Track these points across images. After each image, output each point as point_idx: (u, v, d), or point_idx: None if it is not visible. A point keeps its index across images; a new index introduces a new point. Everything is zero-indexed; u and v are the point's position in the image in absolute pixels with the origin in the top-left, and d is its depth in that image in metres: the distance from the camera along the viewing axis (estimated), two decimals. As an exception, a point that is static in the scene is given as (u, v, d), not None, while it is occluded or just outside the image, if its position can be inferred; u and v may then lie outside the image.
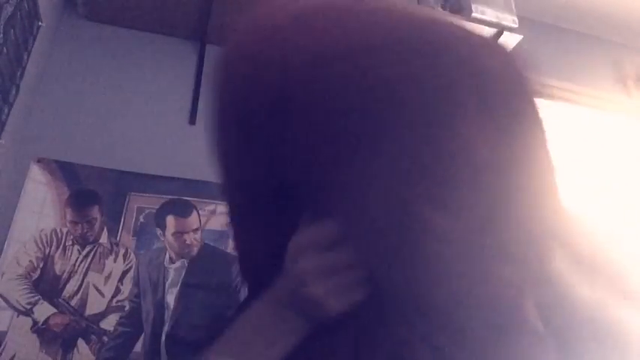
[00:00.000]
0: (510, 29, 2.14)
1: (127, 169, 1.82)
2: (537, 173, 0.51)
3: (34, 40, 1.67)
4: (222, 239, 1.82)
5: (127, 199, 1.78)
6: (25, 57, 1.61)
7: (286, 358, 0.51)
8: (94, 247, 1.67)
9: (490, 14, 2.13)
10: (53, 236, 1.64)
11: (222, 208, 1.88)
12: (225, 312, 1.69)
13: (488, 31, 2.14)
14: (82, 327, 1.56)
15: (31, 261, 1.59)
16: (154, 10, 2.00)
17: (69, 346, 1.53)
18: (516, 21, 2.16)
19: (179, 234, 1.79)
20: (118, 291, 1.63)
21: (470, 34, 0.54)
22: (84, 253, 1.65)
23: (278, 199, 0.52)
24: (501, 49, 0.56)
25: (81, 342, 1.54)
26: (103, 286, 1.63)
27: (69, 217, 1.69)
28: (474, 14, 2.10)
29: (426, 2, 2.10)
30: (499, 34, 2.14)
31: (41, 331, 1.52)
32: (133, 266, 1.69)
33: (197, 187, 1.87)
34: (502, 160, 0.47)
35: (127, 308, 1.62)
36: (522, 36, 2.16)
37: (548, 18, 2.86)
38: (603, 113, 2.79)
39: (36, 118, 1.78)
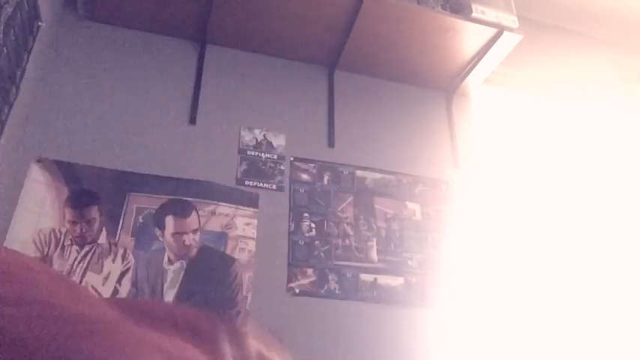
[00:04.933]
0: (510, 29, 2.14)
1: (127, 169, 1.82)
2: None
3: (34, 40, 1.67)
4: (221, 240, 1.82)
5: (126, 199, 1.77)
6: (25, 57, 1.61)
7: None
8: (93, 247, 1.67)
9: (490, 14, 2.12)
10: (52, 236, 1.64)
11: (221, 208, 1.88)
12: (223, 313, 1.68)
13: (488, 31, 2.14)
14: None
15: (30, 261, 1.58)
16: (154, 10, 2.00)
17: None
18: (516, 21, 2.15)
19: (178, 234, 1.78)
20: (116, 292, 1.63)
21: None
22: (82, 253, 1.65)
23: None
24: None
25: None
26: (101, 286, 1.62)
27: (68, 216, 1.68)
28: (473, 14, 2.10)
29: (426, 2, 2.10)
30: (499, 34, 2.14)
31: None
32: (132, 267, 1.68)
33: (197, 187, 1.86)
34: None
35: (126, 308, 1.62)
36: (522, 36, 2.16)
37: (548, 18, 2.86)
38: (603, 113, 2.79)
39: (36, 118, 1.78)
